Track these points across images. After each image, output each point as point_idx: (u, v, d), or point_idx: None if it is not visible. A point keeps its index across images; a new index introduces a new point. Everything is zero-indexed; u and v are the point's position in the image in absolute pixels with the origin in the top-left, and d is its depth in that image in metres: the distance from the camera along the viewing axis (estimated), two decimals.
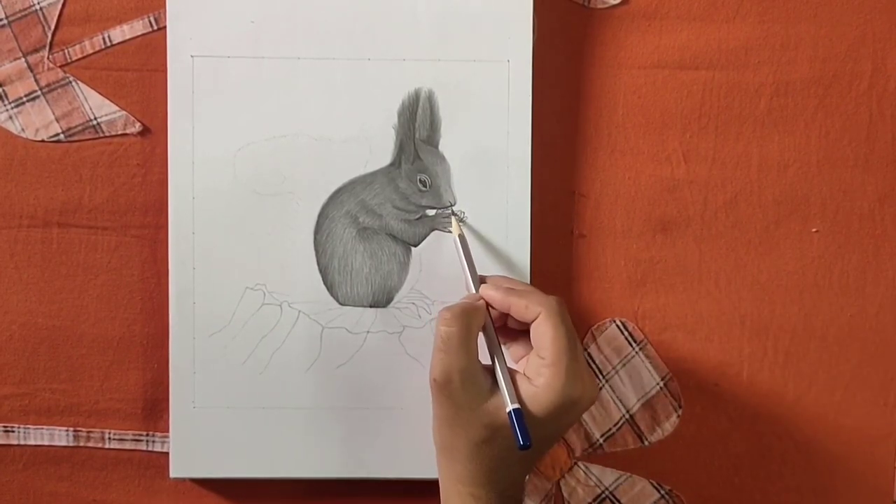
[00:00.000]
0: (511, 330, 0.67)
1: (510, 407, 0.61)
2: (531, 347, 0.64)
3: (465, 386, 0.62)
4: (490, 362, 0.64)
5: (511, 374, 0.64)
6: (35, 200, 0.73)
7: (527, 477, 0.68)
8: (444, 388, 0.63)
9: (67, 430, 0.74)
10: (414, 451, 0.73)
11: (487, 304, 0.66)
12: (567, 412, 0.63)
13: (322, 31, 0.72)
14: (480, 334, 0.65)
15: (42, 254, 0.73)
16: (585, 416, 0.75)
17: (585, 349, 0.75)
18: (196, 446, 0.73)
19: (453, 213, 0.72)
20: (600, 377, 0.75)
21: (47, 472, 0.75)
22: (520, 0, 0.72)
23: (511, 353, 0.67)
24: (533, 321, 0.64)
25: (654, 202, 0.75)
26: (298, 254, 0.72)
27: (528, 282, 0.72)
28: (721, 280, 0.75)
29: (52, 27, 0.73)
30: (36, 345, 0.74)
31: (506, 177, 0.73)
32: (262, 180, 0.72)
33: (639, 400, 0.75)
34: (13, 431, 0.74)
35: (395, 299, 0.73)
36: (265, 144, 0.72)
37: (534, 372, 0.63)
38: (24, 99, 0.73)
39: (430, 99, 0.72)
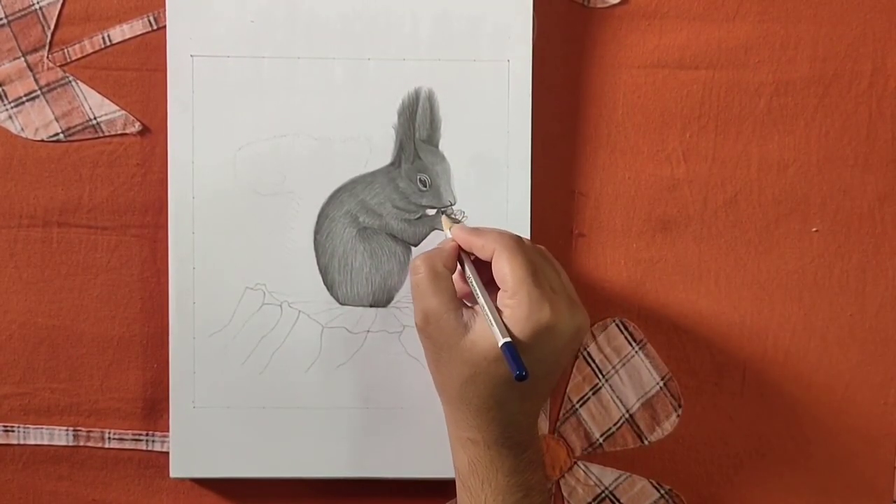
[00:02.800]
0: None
1: (501, 341, 0.61)
2: None
3: (440, 325, 0.64)
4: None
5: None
6: (35, 200, 0.73)
7: (536, 421, 0.67)
8: (423, 331, 0.65)
9: (67, 430, 0.74)
10: (414, 451, 0.73)
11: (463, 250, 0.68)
12: (546, 340, 0.62)
13: (322, 30, 0.72)
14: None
15: (42, 253, 0.73)
16: (585, 415, 0.75)
17: (585, 348, 0.75)
18: (196, 446, 0.73)
19: (441, 212, 0.72)
20: (600, 377, 0.75)
21: (47, 472, 0.75)
22: (519, 0, 0.72)
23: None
24: (492, 259, 0.64)
25: (654, 202, 0.75)
26: (298, 253, 0.72)
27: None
28: (721, 280, 0.75)
29: (52, 27, 0.73)
30: (36, 344, 0.74)
31: (506, 176, 0.73)
32: (262, 180, 0.72)
33: (638, 399, 0.75)
34: (13, 431, 0.74)
35: (396, 299, 0.73)
36: (265, 144, 0.72)
37: (501, 306, 0.63)
38: (24, 98, 0.73)
39: (430, 99, 0.72)
